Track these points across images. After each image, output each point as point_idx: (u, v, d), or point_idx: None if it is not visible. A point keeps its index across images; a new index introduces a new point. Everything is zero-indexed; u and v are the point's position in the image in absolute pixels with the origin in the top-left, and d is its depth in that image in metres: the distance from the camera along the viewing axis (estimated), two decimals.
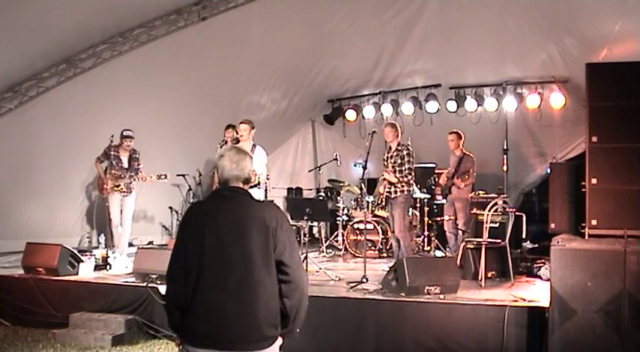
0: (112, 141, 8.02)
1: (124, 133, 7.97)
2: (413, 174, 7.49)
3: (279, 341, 2.87)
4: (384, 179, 7.59)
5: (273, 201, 10.97)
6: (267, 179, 7.54)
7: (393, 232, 7.60)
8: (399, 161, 7.45)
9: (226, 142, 8.91)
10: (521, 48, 8.69)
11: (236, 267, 2.75)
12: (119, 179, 7.94)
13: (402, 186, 7.43)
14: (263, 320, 2.74)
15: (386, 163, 7.62)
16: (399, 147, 7.55)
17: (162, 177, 7.94)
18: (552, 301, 4.98)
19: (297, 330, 2.91)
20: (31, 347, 5.83)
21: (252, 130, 7.34)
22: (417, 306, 5.53)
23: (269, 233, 2.78)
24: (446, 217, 8.39)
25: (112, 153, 8.05)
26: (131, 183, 8.02)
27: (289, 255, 2.81)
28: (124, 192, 8.00)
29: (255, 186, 7.28)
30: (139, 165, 8.07)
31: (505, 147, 9.49)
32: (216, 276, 2.75)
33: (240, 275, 2.74)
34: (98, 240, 8.37)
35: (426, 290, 5.69)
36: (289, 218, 9.38)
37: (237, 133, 7.67)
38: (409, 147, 7.55)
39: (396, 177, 7.41)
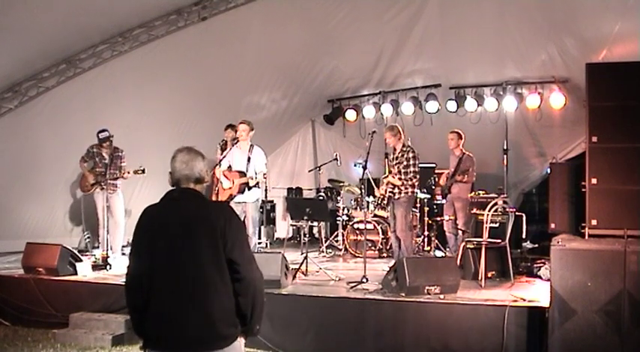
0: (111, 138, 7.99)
1: (101, 135, 7.85)
2: (418, 176, 7.47)
3: (241, 339, 2.86)
4: (388, 182, 7.58)
5: (272, 201, 11.07)
6: (264, 178, 7.52)
7: (394, 231, 7.60)
8: (405, 162, 7.42)
9: (226, 142, 8.92)
10: (521, 48, 8.68)
11: (186, 269, 2.76)
12: (100, 176, 7.92)
13: (406, 188, 7.41)
14: (218, 319, 2.73)
15: (391, 164, 7.59)
16: (404, 149, 7.51)
17: (140, 171, 7.80)
18: (552, 301, 4.98)
19: (257, 327, 2.90)
20: (31, 347, 5.83)
21: (250, 131, 7.39)
22: (417, 306, 5.53)
23: (217, 232, 2.77)
24: (446, 217, 8.39)
25: (95, 150, 8.06)
26: (116, 179, 7.96)
27: (239, 252, 2.79)
28: (108, 190, 7.93)
29: (255, 185, 7.31)
30: (122, 162, 8.01)
31: (505, 147, 9.51)
32: (167, 278, 2.77)
33: (191, 276, 2.75)
34: (98, 240, 8.37)
35: (426, 290, 5.69)
36: (289, 218, 9.46)
37: (236, 133, 7.71)
38: (414, 149, 7.49)
39: (400, 179, 7.40)
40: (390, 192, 7.52)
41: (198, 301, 2.73)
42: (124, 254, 8.19)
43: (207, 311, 2.72)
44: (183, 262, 2.76)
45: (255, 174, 7.27)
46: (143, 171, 7.83)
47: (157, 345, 2.80)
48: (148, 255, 2.82)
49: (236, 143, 7.60)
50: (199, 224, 2.80)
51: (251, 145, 7.46)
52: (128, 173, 7.88)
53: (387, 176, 7.76)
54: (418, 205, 9.15)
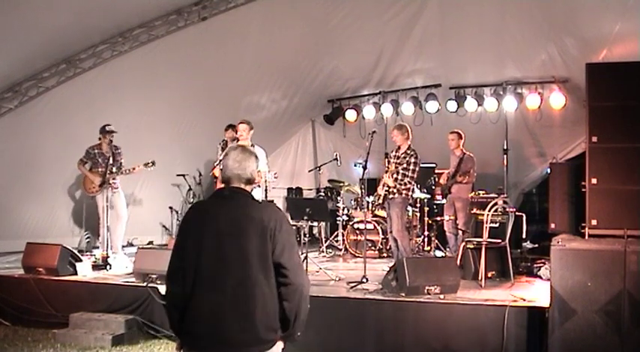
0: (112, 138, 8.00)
1: (108, 128, 7.90)
2: (413, 182, 7.42)
3: (280, 345, 2.83)
4: (384, 183, 7.57)
5: (273, 201, 11.04)
6: (275, 177, 7.48)
7: (391, 232, 7.60)
8: (405, 165, 7.37)
9: (226, 142, 8.91)
10: (521, 48, 8.69)
11: (233, 269, 2.72)
12: (106, 175, 7.91)
13: (401, 190, 7.38)
14: (260, 322, 2.70)
15: (390, 162, 7.57)
16: (409, 151, 7.42)
17: (150, 164, 7.84)
18: (552, 301, 4.98)
19: (298, 334, 2.87)
20: (31, 347, 5.83)
21: (250, 131, 7.38)
22: (417, 306, 5.53)
23: (267, 234, 2.73)
24: (446, 217, 8.38)
25: (96, 151, 8.06)
26: (117, 176, 7.97)
27: (288, 256, 2.75)
28: (113, 188, 7.96)
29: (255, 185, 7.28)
30: (121, 158, 8.04)
31: (505, 147, 9.51)
32: (212, 277, 2.73)
33: (237, 277, 2.71)
34: (98, 240, 8.37)
35: (426, 290, 5.68)
36: (289, 218, 9.43)
37: (236, 133, 7.70)
38: (417, 155, 7.40)
39: (396, 180, 7.37)
40: (386, 191, 7.50)
41: (242, 303, 2.69)
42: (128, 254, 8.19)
43: (250, 314, 2.68)
44: (229, 262, 2.72)
45: (266, 173, 7.24)
46: (153, 164, 7.86)
47: (196, 344, 2.75)
48: (193, 253, 2.76)
49: (234, 142, 7.59)
50: (249, 225, 2.76)
51: (251, 145, 7.45)
52: (138, 166, 7.90)
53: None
54: (418, 205, 9.16)
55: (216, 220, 2.80)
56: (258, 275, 2.71)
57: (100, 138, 8.01)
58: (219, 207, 2.88)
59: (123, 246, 8.48)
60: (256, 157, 2.99)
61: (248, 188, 2.93)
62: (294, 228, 10.43)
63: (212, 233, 2.77)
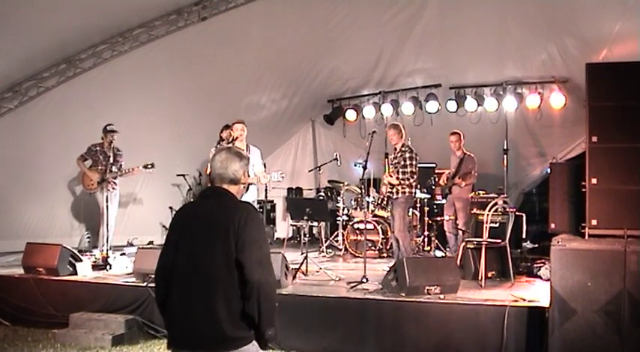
0: (110, 138, 8.01)
1: (109, 127, 7.95)
2: (415, 177, 7.45)
3: (254, 344, 2.82)
4: (388, 182, 7.58)
5: (272, 201, 11.07)
6: (282, 177, 7.42)
7: (393, 232, 7.61)
8: (402, 162, 7.42)
9: (223, 142, 8.89)
10: (521, 48, 8.69)
11: (199, 268, 2.78)
12: (105, 173, 7.95)
13: (404, 188, 7.41)
14: (225, 320, 2.72)
15: (391, 163, 7.59)
16: (403, 148, 7.50)
17: (149, 166, 7.91)
18: (552, 301, 4.98)
19: (269, 333, 2.82)
20: (31, 347, 5.83)
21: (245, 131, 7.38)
22: (417, 306, 5.53)
23: (231, 232, 2.76)
24: (446, 217, 8.39)
25: (97, 148, 8.11)
26: (116, 177, 8.02)
27: (247, 253, 2.74)
28: (111, 188, 7.98)
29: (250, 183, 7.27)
30: (121, 161, 8.09)
31: (505, 147, 9.51)
32: (183, 276, 2.81)
33: (202, 276, 2.76)
34: (98, 239, 8.38)
35: (426, 290, 5.69)
36: (289, 218, 9.43)
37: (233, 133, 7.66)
38: (412, 149, 7.47)
39: (397, 178, 7.40)
40: (389, 191, 7.52)
41: (206, 301, 2.73)
42: (123, 254, 8.20)
43: (214, 312, 2.71)
44: (198, 260, 2.79)
45: (264, 173, 7.21)
46: (152, 166, 7.91)
47: (171, 340, 2.86)
48: (172, 252, 2.87)
49: (231, 142, 7.55)
50: (217, 222, 2.81)
51: (247, 145, 7.44)
52: (137, 168, 7.92)
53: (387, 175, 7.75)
54: (418, 205, 9.15)
55: (192, 220, 2.91)
56: (223, 273, 2.75)
57: (102, 138, 8.03)
58: (197, 208, 3.02)
59: (123, 246, 8.48)
60: (242, 158, 3.02)
61: (233, 188, 2.98)
62: (295, 226, 10.53)
63: (187, 233, 2.87)
